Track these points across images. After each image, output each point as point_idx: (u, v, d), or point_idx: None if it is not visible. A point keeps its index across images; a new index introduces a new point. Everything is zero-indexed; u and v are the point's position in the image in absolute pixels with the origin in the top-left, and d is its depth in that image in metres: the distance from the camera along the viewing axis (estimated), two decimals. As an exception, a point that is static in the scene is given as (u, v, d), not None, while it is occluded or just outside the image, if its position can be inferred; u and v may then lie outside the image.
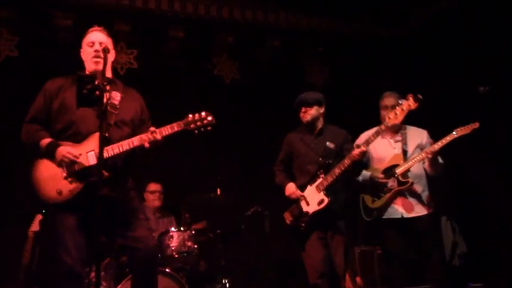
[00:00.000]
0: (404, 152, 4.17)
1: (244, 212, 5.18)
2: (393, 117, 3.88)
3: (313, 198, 4.12)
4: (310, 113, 4.27)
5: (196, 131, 3.15)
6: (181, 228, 4.84)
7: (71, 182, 3.05)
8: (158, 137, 3.08)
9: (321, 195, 4.08)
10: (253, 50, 6.67)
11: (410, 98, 3.83)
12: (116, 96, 3.21)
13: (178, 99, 5.93)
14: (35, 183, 3.11)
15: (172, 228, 4.87)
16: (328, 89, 6.66)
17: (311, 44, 6.72)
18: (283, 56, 6.74)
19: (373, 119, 4.37)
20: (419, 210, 4.11)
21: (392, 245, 4.14)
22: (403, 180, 4.09)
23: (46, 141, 3.12)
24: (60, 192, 3.05)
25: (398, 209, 4.12)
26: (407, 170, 4.10)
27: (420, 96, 3.81)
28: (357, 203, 4.50)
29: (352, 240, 5.57)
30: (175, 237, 4.75)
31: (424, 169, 4.21)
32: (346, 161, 4.00)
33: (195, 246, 4.80)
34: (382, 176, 4.16)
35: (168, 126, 3.14)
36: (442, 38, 6.13)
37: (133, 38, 6.00)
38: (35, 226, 4.67)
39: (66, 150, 3.05)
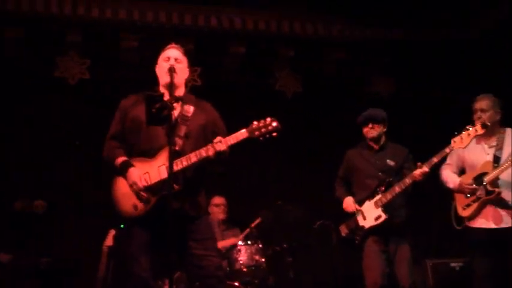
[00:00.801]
0: (496, 159, 3.96)
1: (312, 225, 5.15)
2: (458, 141, 3.83)
3: (371, 213, 4.15)
4: (377, 130, 4.30)
5: (261, 138, 3.09)
6: (249, 242, 4.88)
7: (144, 197, 3.11)
8: (223, 147, 3.07)
9: (379, 211, 4.10)
10: (315, 63, 6.66)
11: (478, 125, 3.81)
12: (189, 109, 3.26)
13: (241, 115, 5.93)
14: (114, 199, 3.21)
15: (240, 242, 4.91)
16: (394, 100, 6.56)
17: (376, 55, 6.63)
18: (347, 68, 6.69)
19: (441, 129, 4.25)
20: (508, 221, 3.88)
21: (477, 257, 3.96)
22: (491, 189, 3.89)
23: (120, 159, 3.21)
24: (136, 207, 3.12)
25: (487, 220, 3.92)
26: (497, 178, 3.90)
27: (488, 123, 3.84)
28: (423, 216, 4.36)
29: (424, 253, 5.42)
30: (243, 251, 4.79)
31: None
32: (407, 180, 4.02)
33: (263, 260, 4.83)
34: (471, 183, 4.00)
35: (233, 135, 3.13)
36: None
37: (197, 56, 6.15)
38: (109, 241, 4.83)
39: (134, 176, 3.11)
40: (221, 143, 3.07)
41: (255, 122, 3.11)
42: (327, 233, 5.17)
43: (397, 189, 4.05)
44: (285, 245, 5.13)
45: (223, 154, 3.10)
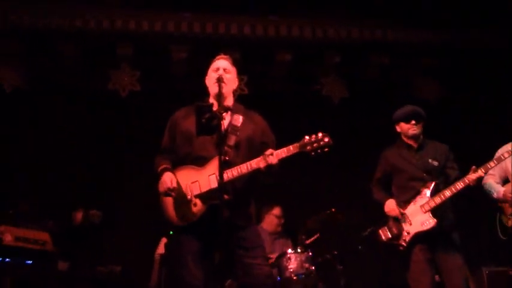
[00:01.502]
0: None
1: (362, 232, 5.09)
2: None
3: (417, 218, 3.93)
4: (420, 127, 4.10)
5: (312, 153, 3.06)
6: (299, 250, 4.86)
7: (194, 205, 3.16)
8: (274, 160, 3.07)
9: (426, 216, 3.89)
10: (361, 67, 6.59)
11: None
12: (238, 119, 3.29)
13: (288, 122, 5.99)
14: (162, 207, 3.28)
15: (290, 250, 4.90)
16: (441, 104, 6.41)
17: (422, 59, 6.50)
18: (393, 72, 6.59)
19: (495, 133, 4.12)
20: None
21: None
22: None
23: (161, 167, 3.28)
24: (184, 215, 3.18)
25: None
26: None
27: None
28: (473, 220, 4.21)
29: (476, 260, 5.25)
30: (293, 259, 4.78)
31: None
32: (459, 185, 3.81)
33: (313, 268, 4.80)
34: None
35: (284, 149, 3.12)
36: None
37: (243, 64, 6.20)
38: (161, 249, 4.93)
39: (164, 177, 3.18)
40: (272, 156, 3.08)
41: (307, 137, 3.09)
42: (377, 240, 5.10)
43: (447, 193, 3.85)
44: (335, 253, 5.10)
45: (274, 167, 3.10)
